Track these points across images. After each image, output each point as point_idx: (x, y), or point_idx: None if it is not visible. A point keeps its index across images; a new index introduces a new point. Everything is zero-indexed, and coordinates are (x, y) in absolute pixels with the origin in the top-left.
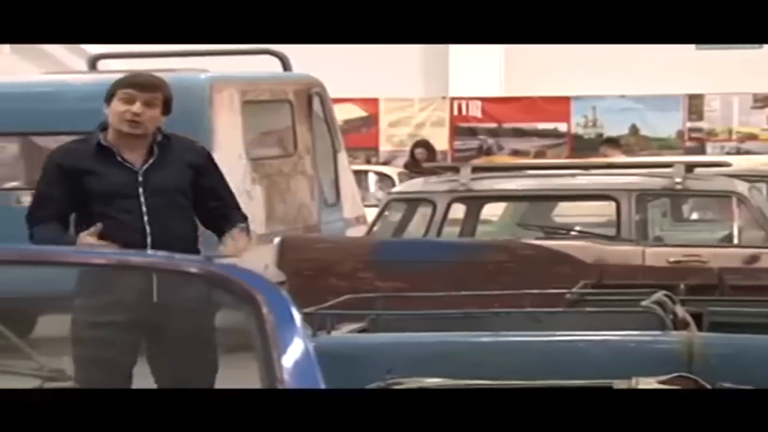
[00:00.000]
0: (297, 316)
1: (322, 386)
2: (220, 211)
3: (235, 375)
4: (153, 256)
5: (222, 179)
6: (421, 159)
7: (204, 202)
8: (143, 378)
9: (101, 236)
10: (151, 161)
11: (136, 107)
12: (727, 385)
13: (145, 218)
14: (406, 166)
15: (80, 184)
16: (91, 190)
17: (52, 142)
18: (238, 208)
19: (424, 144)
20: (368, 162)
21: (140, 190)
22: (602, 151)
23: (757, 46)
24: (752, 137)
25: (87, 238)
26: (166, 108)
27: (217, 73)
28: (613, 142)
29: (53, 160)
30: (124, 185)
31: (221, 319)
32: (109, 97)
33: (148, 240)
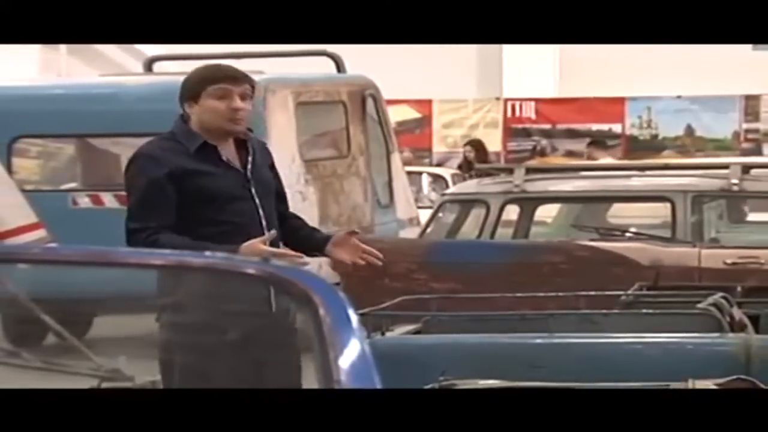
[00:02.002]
0: (354, 318)
1: (378, 386)
2: (291, 215)
3: (293, 376)
4: (212, 257)
5: (282, 183)
6: (469, 158)
7: (277, 205)
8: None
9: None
10: (250, 160)
11: (237, 102)
12: None
13: (263, 222)
14: (459, 167)
15: (187, 185)
16: (202, 193)
17: (109, 144)
18: None
19: (473, 143)
20: (408, 163)
21: (252, 191)
22: (587, 152)
23: None
24: None
25: (259, 244)
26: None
27: (272, 75)
28: (599, 143)
29: (150, 158)
30: (236, 186)
31: (280, 321)
32: (193, 95)
33: (267, 244)
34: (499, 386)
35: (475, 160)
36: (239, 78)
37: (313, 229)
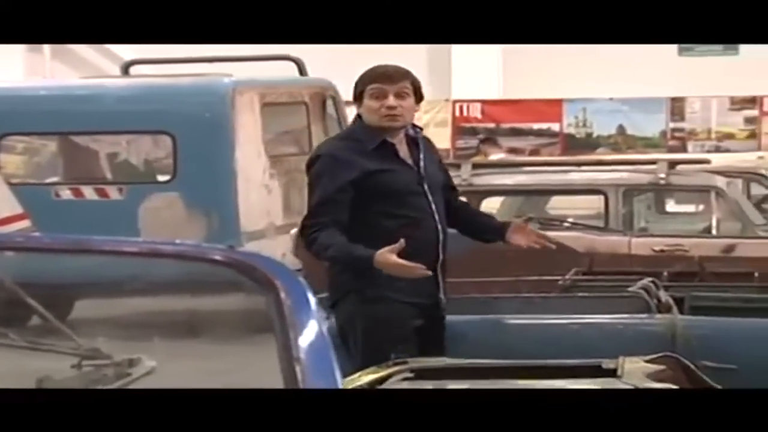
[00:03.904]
0: (312, 301)
1: (335, 364)
2: (464, 205)
3: (256, 353)
4: (181, 244)
5: (449, 175)
6: None
7: (449, 197)
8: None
9: (399, 255)
10: (422, 157)
11: (391, 100)
12: (708, 363)
13: (436, 216)
14: None
15: (370, 185)
16: (383, 190)
17: (89, 141)
18: None
19: None
20: None
21: (425, 187)
22: (482, 149)
23: (734, 52)
24: (730, 137)
25: (388, 255)
26: (419, 96)
27: (239, 78)
28: (492, 141)
29: (339, 160)
30: (412, 183)
31: (245, 303)
32: (358, 96)
33: (441, 237)
34: (446, 364)
35: None
36: (394, 77)
37: (489, 216)
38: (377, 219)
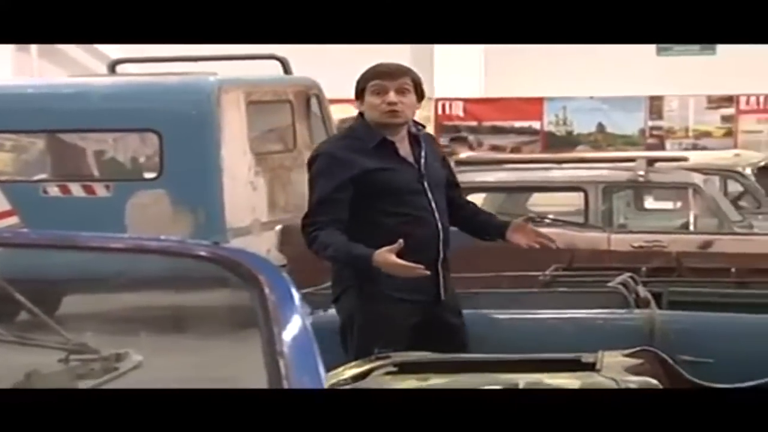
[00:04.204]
0: (296, 296)
1: (318, 358)
2: (466, 204)
3: (241, 348)
4: (166, 241)
5: (454, 173)
6: None
7: (452, 194)
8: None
9: (399, 254)
10: (423, 155)
11: (391, 96)
12: (685, 357)
13: (436, 214)
14: None
15: (369, 182)
16: (382, 188)
17: (76, 139)
18: None
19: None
20: None
21: (426, 184)
22: (451, 147)
23: (711, 52)
24: (707, 135)
25: (386, 255)
26: (420, 93)
27: (225, 77)
28: (461, 139)
29: (337, 159)
30: (412, 181)
31: (230, 298)
32: (360, 93)
33: (441, 235)
34: (430, 358)
35: None
36: (395, 73)
37: (490, 215)
38: (377, 217)
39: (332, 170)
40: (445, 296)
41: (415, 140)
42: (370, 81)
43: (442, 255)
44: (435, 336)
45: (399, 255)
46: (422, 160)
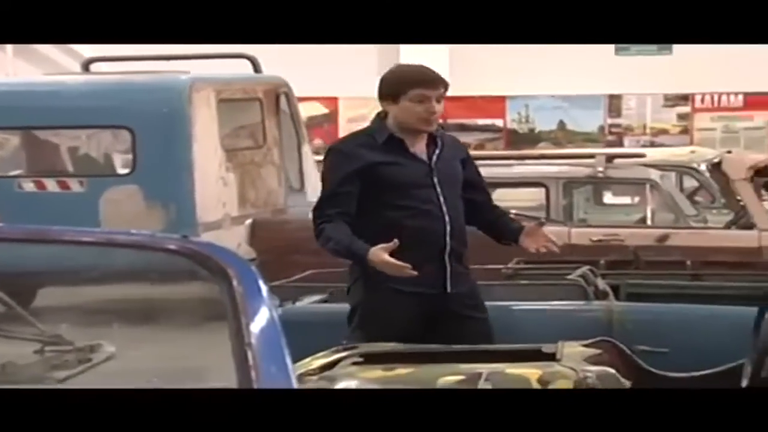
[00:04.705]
0: (264, 288)
1: (286, 349)
2: (489, 206)
3: (211, 339)
4: (137, 234)
5: (481, 175)
6: None
7: (472, 195)
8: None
9: (392, 253)
10: (437, 152)
11: (433, 106)
12: (642, 347)
13: (444, 208)
14: None
15: (374, 175)
16: (388, 181)
17: (50, 135)
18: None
19: None
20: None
21: (435, 180)
22: None
23: (667, 52)
24: (664, 132)
25: (379, 252)
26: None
27: (196, 75)
28: None
29: (343, 154)
30: (420, 176)
31: (199, 291)
32: (395, 95)
33: (447, 228)
34: (395, 349)
35: None
36: (436, 82)
37: (510, 218)
38: (383, 210)
39: (340, 165)
40: (453, 289)
41: (431, 139)
42: (412, 87)
43: (449, 248)
44: (441, 328)
45: (397, 251)
46: (434, 157)
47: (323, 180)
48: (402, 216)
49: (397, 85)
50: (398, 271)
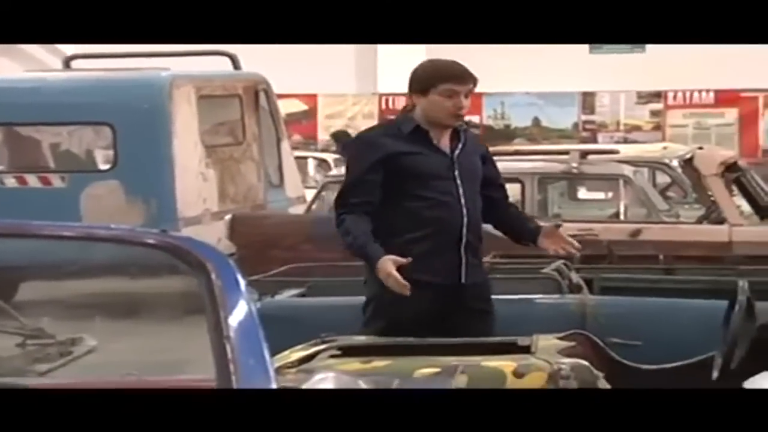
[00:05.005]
0: (242, 282)
1: (264, 342)
2: (506, 204)
3: (190, 332)
4: (117, 229)
5: (499, 173)
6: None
7: (490, 192)
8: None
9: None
10: (460, 147)
11: (461, 101)
12: (615, 339)
13: (462, 200)
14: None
15: (398, 165)
16: (410, 171)
17: (32, 132)
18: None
19: (335, 134)
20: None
21: (456, 173)
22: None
23: (640, 50)
24: (637, 128)
25: (389, 265)
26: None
27: (177, 72)
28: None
29: (368, 143)
30: (442, 168)
31: (179, 284)
32: (423, 89)
33: (465, 221)
34: (372, 342)
35: (339, 148)
36: (465, 78)
37: (527, 218)
38: (404, 199)
39: (365, 153)
40: (467, 280)
41: (455, 134)
42: (442, 82)
43: (465, 240)
44: (455, 319)
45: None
46: (457, 151)
47: (348, 168)
48: (421, 206)
49: (427, 80)
50: (397, 288)
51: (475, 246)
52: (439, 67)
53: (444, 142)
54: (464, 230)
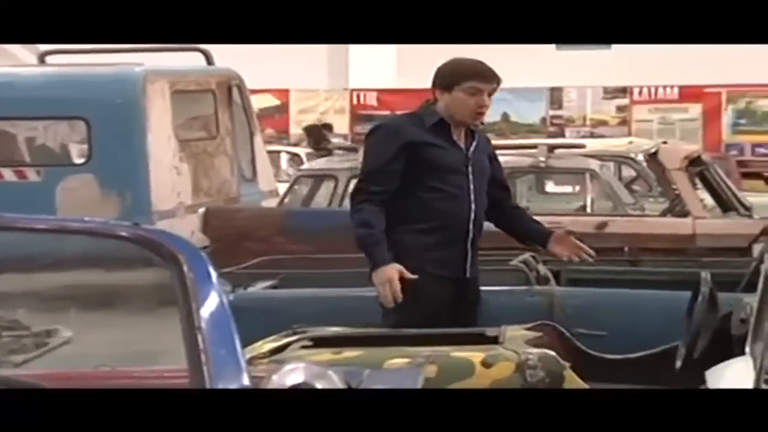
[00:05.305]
0: (213, 274)
1: (235, 333)
2: (510, 204)
3: (164, 323)
4: (90, 222)
5: (504, 174)
6: (310, 140)
7: (494, 193)
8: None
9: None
10: (474, 144)
11: (484, 100)
12: (581, 330)
13: (472, 195)
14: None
15: (418, 155)
16: (429, 162)
17: (7, 126)
18: None
19: (307, 128)
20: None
21: (469, 169)
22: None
23: (606, 46)
24: (603, 123)
25: (393, 274)
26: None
27: (151, 67)
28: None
29: (392, 131)
30: (457, 162)
31: (151, 276)
32: (447, 86)
33: (472, 215)
34: (342, 333)
35: (311, 142)
36: (490, 77)
37: (535, 222)
38: (417, 189)
39: (385, 141)
40: (470, 274)
41: (469, 132)
42: (466, 80)
43: (471, 234)
44: (460, 311)
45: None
46: (471, 148)
47: (367, 155)
48: (434, 197)
49: (452, 76)
50: (385, 297)
51: (477, 241)
52: (465, 64)
53: (460, 137)
54: (471, 225)
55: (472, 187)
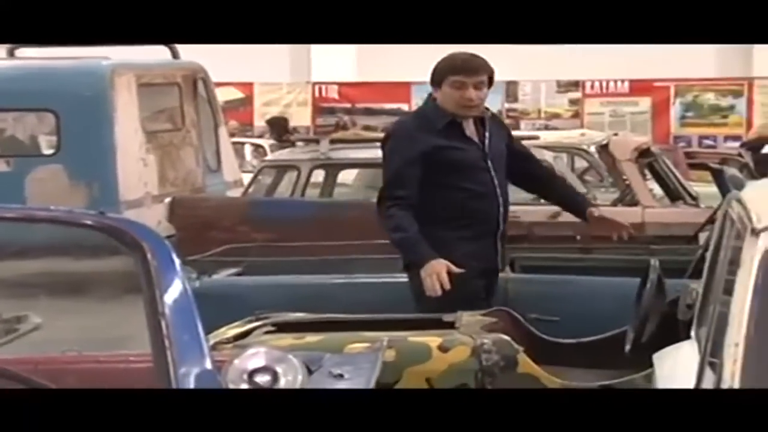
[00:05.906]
0: (177, 261)
1: (198, 319)
2: (543, 172)
3: (129, 310)
4: (55, 210)
5: (526, 147)
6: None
7: (529, 168)
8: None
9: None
10: (487, 136)
11: (470, 93)
12: (535, 315)
13: (498, 190)
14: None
15: (436, 160)
16: (448, 164)
17: None
18: None
19: (270, 121)
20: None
21: (489, 163)
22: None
23: None
24: (557, 116)
25: (442, 267)
26: (491, 82)
27: (118, 61)
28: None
29: (404, 139)
30: (476, 159)
31: (116, 264)
32: (439, 81)
33: (501, 210)
34: (305, 319)
35: (273, 134)
36: (474, 70)
37: (572, 194)
38: (445, 192)
39: (405, 148)
40: (501, 266)
41: (479, 121)
42: (449, 75)
43: (501, 229)
44: (489, 300)
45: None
46: (486, 141)
47: (387, 161)
48: (463, 197)
49: (439, 73)
50: (431, 287)
51: (505, 231)
52: (450, 60)
53: (472, 132)
54: (500, 219)
55: (496, 182)
